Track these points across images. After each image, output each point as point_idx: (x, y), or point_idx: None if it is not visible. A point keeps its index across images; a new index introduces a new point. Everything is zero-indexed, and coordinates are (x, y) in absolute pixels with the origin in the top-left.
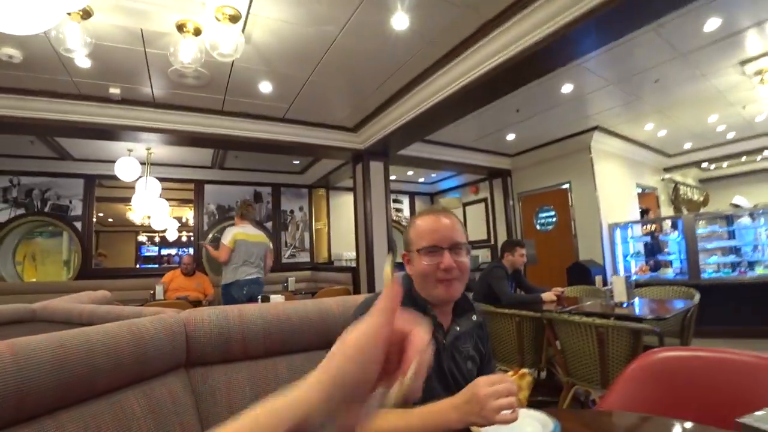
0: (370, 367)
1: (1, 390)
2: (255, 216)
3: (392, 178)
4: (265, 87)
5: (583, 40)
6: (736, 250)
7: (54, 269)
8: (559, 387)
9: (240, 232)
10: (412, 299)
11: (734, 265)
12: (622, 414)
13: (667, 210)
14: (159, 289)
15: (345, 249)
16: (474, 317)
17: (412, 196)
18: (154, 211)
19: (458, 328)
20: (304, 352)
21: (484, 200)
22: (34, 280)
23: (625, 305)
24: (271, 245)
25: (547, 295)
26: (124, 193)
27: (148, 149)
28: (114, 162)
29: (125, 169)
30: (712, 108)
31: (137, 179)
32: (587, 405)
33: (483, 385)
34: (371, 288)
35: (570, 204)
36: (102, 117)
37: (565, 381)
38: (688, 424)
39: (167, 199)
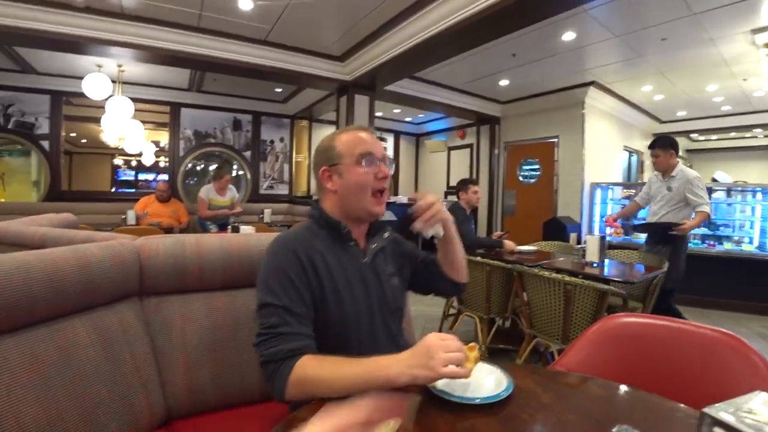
0: None
1: None
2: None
3: (378, 114)
4: (245, 4)
5: None
6: (708, 224)
7: (24, 190)
8: (521, 336)
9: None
10: (326, 221)
11: (704, 238)
12: (575, 376)
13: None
14: (131, 214)
15: None
16: (386, 234)
17: (397, 135)
18: (127, 132)
19: (374, 246)
20: None
21: (470, 146)
22: (2, 200)
23: (595, 265)
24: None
25: (510, 244)
26: (95, 112)
27: (119, 66)
28: (82, 78)
29: (94, 86)
30: (714, 77)
31: (108, 98)
32: (545, 356)
33: (433, 337)
34: None
35: (555, 159)
36: (65, 26)
37: (528, 332)
38: (644, 394)
39: (142, 122)
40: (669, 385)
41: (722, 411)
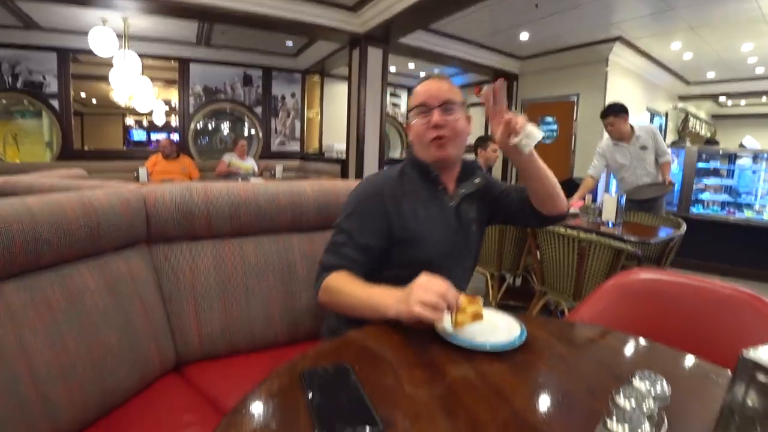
0: None
1: None
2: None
3: (391, 69)
4: None
5: None
6: (730, 190)
7: (37, 150)
8: (531, 294)
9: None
10: (416, 164)
11: (724, 204)
12: (591, 327)
13: (671, 140)
14: (142, 171)
15: (336, 140)
16: (476, 180)
17: (411, 91)
18: (136, 90)
19: (462, 191)
20: (273, 234)
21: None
22: (17, 161)
23: (610, 225)
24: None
25: None
26: (104, 71)
27: (124, 19)
28: (87, 33)
29: (100, 41)
30: (750, 34)
31: (114, 54)
32: (556, 315)
33: (422, 277)
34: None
35: (574, 118)
36: None
37: (539, 289)
38: (662, 346)
39: (151, 79)
40: (684, 341)
41: (763, 354)
